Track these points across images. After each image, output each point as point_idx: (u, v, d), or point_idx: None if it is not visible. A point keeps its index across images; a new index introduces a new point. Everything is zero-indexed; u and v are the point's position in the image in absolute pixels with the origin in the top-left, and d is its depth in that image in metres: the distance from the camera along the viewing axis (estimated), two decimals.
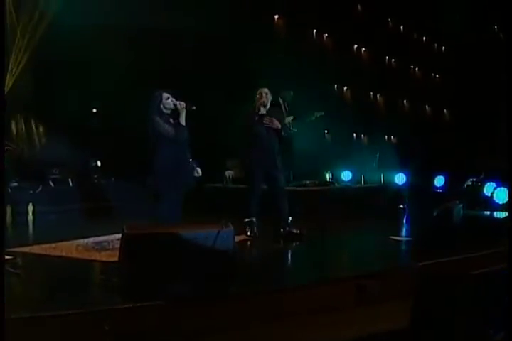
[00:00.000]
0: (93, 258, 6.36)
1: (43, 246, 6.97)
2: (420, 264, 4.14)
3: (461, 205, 7.03)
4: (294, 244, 7.68)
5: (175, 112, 6.80)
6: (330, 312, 4.94)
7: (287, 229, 7.84)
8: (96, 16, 12.35)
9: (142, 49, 12.43)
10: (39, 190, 11.17)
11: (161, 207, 6.89)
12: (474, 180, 11.67)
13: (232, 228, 4.55)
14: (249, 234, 7.79)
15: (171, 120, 6.80)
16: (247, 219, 7.88)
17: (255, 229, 7.87)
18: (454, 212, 6.68)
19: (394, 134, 19.93)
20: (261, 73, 12.19)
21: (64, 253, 6.57)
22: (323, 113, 12.14)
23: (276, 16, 16.37)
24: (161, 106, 6.80)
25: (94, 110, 13.15)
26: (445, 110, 22.29)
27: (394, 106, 20.27)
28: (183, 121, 6.73)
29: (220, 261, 4.45)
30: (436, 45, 22.25)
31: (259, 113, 7.92)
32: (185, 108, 6.73)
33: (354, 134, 19.03)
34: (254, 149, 7.90)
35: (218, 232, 4.41)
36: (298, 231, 7.81)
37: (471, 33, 18.68)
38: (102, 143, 12.16)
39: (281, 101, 11.80)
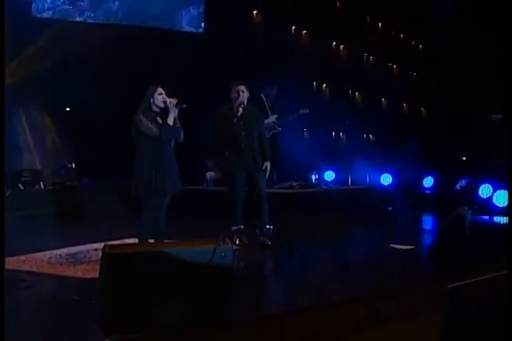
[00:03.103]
0: (67, 273, 5.72)
1: (11, 259, 6.25)
2: (451, 286, 3.59)
3: (470, 211, 6.51)
4: (288, 257, 7.09)
5: (165, 111, 6.23)
6: (338, 337, 4.39)
7: (261, 238, 7.29)
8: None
9: (121, 46, 11.84)
10: (8, 193, 10.47)
11: (142, 213, 6.34)
12: (467, 181, 11.18)
13: (230, 245, 3.93)
14: (237, 242, 7.18)
15: (158, 119, 6.22)
16: (234, 227, 7.28)
17: (244, 237, 7.28)
18: (466, 219, 6.15)
19: (373, 133, 19.57)
20: (239, 70, 11.75)
21: (35, 268, 5.92)
22: (307, 110, 11.60)
23: (254, 12, 15.87)
24: (151, 102, 6.23)
25: (68, 109, 12.45)
26: (422, 108, 22.04)
27: (372, 104, 19.91)
28: (170, 120, 6.18)
29: (217, 283, 3.83)
30: (413, 42, 21.99)
31: (238, 114, 7.25)
32: (176, 106, 6.16)
33: (333, 133, 18.57)
34: (233, 151, 7.29)
35: (214, 250, 3.80)
36: (270, 243, 7.24)
37: (449, 31, 18.33)
38: (77, 144, 11.48)
39: (264, 99, 11.20)
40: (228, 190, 7.47)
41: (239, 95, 7.23)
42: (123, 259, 3.66)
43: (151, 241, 6.26)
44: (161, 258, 3.75)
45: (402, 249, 7.09)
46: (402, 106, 21.47)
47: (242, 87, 7.29)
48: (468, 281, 3.65)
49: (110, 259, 3.66)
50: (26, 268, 5.93)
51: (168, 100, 6.19)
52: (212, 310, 3.87)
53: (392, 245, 7.25)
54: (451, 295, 3.62)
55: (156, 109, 6.26)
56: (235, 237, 7.19)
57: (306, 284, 5.52)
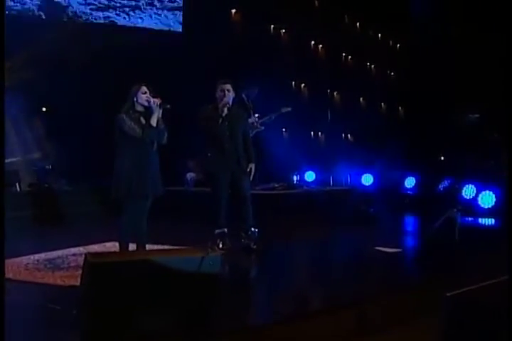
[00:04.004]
0: (46, 280, 5.49)
1: None
2: (449, 294, 3.45)
3: (459, 213, 6.37)
4: (273, 261, 6.88)
5: (149, 111, 6.02)
6: None
7: (245, 241, 7.09)
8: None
9: (98, 45, 11.61)
10: None
11: (122, 217, 6.11)
12: (450, 181, 11.07)
13: (219, 253, 3.76)
14: (221, 246, 6.98)
15: (142, 119, 6.01)
16: (217, 230, 7.06)
17: (227, 240, 7.09)
18: (457, 222, 6.02)
19: (352, 133, 19.52)
20: (217, 69, 11.61)
21: (11, 275, 5.65)
22: (289, 108, 11.46)
23: (233, 11, 15.75)
24: (135, 101, 6.01)
25: (44, 109, 12.15)
26: (401, 108, 22.08)
27: (351, 104, 19.88)
28: (154, 121, 5.96)
29: (204, 292, 3.66)
30: (391, 42, 22.02)
31: (223, 114, 7.02)
32: (160, 106, 5.96)
33: (312, 133, 18.48)
34: (216, 152, 7.07)
35: (202, 259, 3.63)
36: (255, 247, 7.05)
37: (427, 31, 18.34)
38: (55, 144, 11.21)
39: (245, 99, 11.00)
40: (211, 191, 7.25)
41: (224, 94, 7.02)
42: (107, 268, 3.47)
43: (132, 245, 6.09)
44: (147, 266, 3.57)
45: (388, 252, 6.93)
46: (381, 106, 21.50)
47: (228, 86, 7.07)
48: (466, 289, 3.51)
49: (93, 268, 3.47)
50: None
51: (152, 100, 5.99)
52: (200, 319, 3.70)
53: (377, 248, 7.09)
54: (450, 303, 3.48)
55: (139, 108, 6.03)
56: (218, 240, 7.01)
57: (293, 290, 5.35)
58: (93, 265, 3.46)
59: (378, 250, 7.00)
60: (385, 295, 4.99)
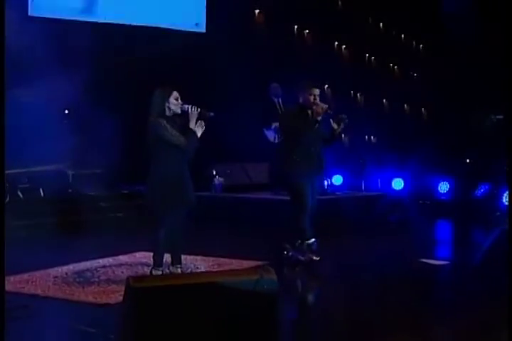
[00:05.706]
0: (77, 297, 5.14)
1: (13, 278, 5.60)
2: None
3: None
4: (322, 278, 6.47)
5: (180, 116, 5.66)
6: None
7: (293, 253, 6.70)
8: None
9: (119, 47, 11.35)
10: (6, 201, 9.84)
11: (159, 229, 5.74)
12: (487, 187, 10.61)
13: (274, 275, 3.38)
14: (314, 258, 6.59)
15: (175, 125, 5.65)
16: (308, 242, 6.60)
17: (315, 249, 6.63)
18: None
19: (375, 134, 19.23)
20: (240, 70, 11.35)
21: (39, 291, 5.33)
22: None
23: (256, 11, 15.53)
24: (166, 106, 5.64)
25: (67, 111, 11.84)
26: (423, 109, 21.81)
27: (374, 105, 19.64)
28: (193, 126, 5.59)
29: (260, 319, 3.29)
30: (414, 43, 21.78)
31: (318, 119, 6.56)
32: (199, 114, 5.59)
33: None
34: (302, 156, 6.63)
35: (257, 281, 3.27)
36: (304, 259, 6.63)
37: (452, 31, 18.01)
38: (78, 149, 10.89)
39: (276, 100, 10.56)
40: (295, 198, 6.73)
41: (315, 100, 6.63)
42: (151, 294, 3.11)
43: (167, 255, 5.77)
44: (195, 291, 3.20)
45: (435, 265, 6.53)
46: (404, 107, 21.29)
47: (318, 91, 6.72)
48: None
49: (137, 294, 3.11)
50: (30, 290, 5.35)
51: (188, 106, 5.61)
52: None
53: (423, 260, 6.68)
54: None
55: (169, 114, 5.66)
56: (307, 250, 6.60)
57: (353, 311, 4.98)
58: (136, 290, 3.10)
59: (424, 262, 6.59)
60: (450, 316, 4.61)
